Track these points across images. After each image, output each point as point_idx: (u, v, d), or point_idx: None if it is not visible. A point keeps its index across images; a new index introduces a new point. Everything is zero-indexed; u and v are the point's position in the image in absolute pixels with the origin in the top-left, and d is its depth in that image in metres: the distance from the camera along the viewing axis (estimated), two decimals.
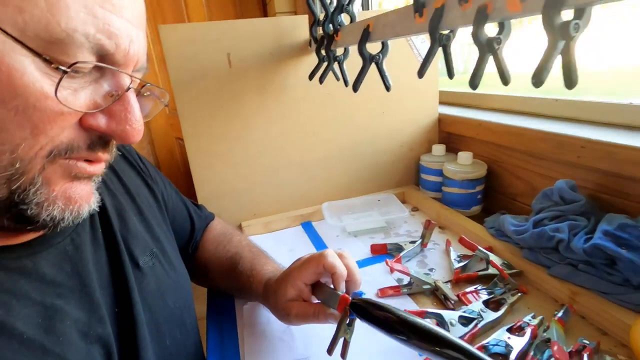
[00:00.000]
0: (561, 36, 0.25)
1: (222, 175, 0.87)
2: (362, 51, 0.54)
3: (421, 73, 0.39)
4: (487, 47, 0.31)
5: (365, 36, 0.52)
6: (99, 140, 0.32)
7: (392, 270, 0.61)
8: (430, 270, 0.68)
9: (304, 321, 0.48)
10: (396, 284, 0.64)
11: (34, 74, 0.26)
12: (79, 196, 0.33)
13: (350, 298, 0.43)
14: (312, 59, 0.85)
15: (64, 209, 0.32)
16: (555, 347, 0.43)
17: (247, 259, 0.60)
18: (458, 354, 0.33)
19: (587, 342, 0.47)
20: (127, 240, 0.44)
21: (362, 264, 0.72)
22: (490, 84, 0.99)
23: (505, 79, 0.32)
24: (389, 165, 1.01)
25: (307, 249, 0.80)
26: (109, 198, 0.46)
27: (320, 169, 0.95)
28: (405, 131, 1.00)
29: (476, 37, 0.31)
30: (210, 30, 0.77)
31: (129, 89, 0.31)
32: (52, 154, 0.29)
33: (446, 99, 1.10)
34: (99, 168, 0.34)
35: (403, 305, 0.59)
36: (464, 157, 0.85)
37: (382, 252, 0.75)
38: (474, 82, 0.34)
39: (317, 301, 0.49)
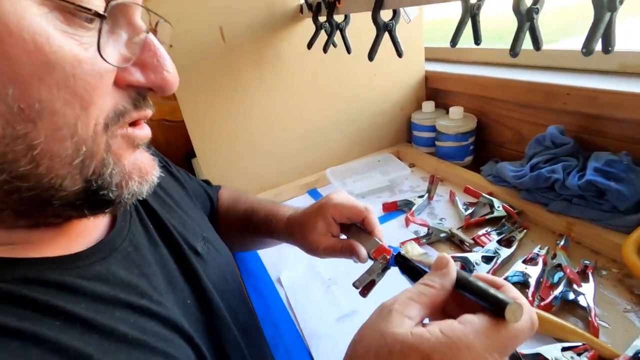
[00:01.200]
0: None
1: (227, 155, 0.87)
2: (376, 19, 0.55)
3: (454, 42, 0.42)
4: (526, 16, 0.34)
5: (379, 3, 0.53)
6: (139, 97, 0.30)
7: (408, 223, 0.67)
8: (441, 220, 0.75)
9: (330, 255, 0.50)
10: (414, 236, 0.71)
11: (57, 37, 0.22)
12: (147, 165, 0.32)
13: (391, 249, 0.47)
14: (304, 27, 0.84)
15: (140, 182, 0.31)
16: (568, 270, 0.52)
17: (261, 209, 0.62)
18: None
19: (588, 262, 0.56)
20: (180, 232, 0.45)
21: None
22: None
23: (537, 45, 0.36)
24: (383, 126, 1.05)
25: None
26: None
27: (320, 136, 0.97)
28: (395, 91, 1.03)
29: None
30: (199, 5, 0.73)
31: (147, 31, 0.28)
32: (108, 125, 0.27)
33: (431, 55, 1.13)
34: (148, 130, 0.32)
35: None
36: (456, 111, 0.91)
37: (393, 209, 0.81)
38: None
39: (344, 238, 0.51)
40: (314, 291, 0.62)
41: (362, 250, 0.48)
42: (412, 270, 0.42)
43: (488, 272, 0.57)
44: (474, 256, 0.58)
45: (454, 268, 0.31)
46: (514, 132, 0.87)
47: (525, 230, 0.66)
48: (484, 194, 0.73)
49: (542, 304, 0.50)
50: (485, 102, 0.91)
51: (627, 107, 0.61)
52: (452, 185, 0.86)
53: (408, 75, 1.03)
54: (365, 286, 0.45)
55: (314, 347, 0.52)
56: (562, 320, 0.47)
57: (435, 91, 1.06)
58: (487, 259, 0.59)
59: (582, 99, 0.68)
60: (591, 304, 0.49)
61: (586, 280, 0.53)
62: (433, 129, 0.97)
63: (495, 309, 0.26)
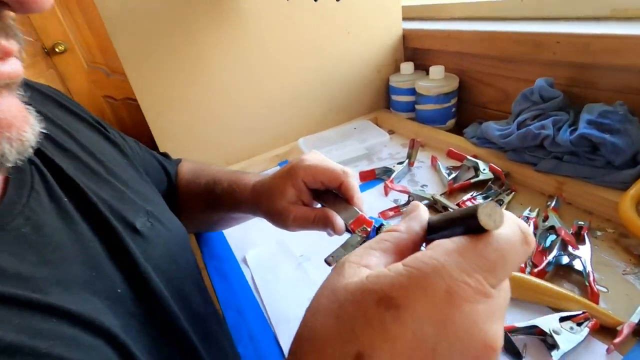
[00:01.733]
0: None
1: (185, 125, 0.77)
2: None
3: None
4: None
5: None
6: None
7: (387, 191, 0.61)
8: (423, 186, 0.69)
9: (302, 226, 0.43)
10: (394, 205, 0.65)
11: None
12: (11, 116, 0.24)
13: (372, 221, 0.40)
14: None
15: (10, 140, 0.23)
16: (562, 232, 0.46)
17: (225, 179, 0.54)
18: None
19: (582, 222, 0.51)
20: (113, 206, 0.37)
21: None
22: None
23: None
24: (359, 91, 0.97)
25: None
26: (65, 159, 0.37)
27: (291, 103, 0.88)
28: (371, 52, 0.94)
29: None
30: None
31: None
32: None
33: (409, 14, 1.04)
34: (14, 66, 0.24)
35: None
36: (436, 71, 0.84)
37: (371, 178, 0.75)
38: None
39: (318, 207, 0.45)
40: (284, 269, 0.55)
41: (339, 221, 0.41)
42: None
43: None
44: None
45: (425, 211, 0.24)
46: (498, 91, 0.81)
47: (513, 193, 0.60)
48: (468, 157, 0.67)
49: (534, 270, 0.44)
50: (466, 59, 0.84)
51: (624, 52, 0.55)
52: (434, 151, 0.80)
53: (384, 34, 0.94)
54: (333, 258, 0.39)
55: (281, 333, 0.45)
56: (559, 287, 0.41)
57: (414, 51, 0.98)
58: None
59: (573, 46, 0.61)
60: (589, 268, 0.44)
61: (582, 242, 0.48)
62: (412, 92, 0.90)
63: (468, 223, 0.19)
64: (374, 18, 0.91)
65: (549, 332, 0.37)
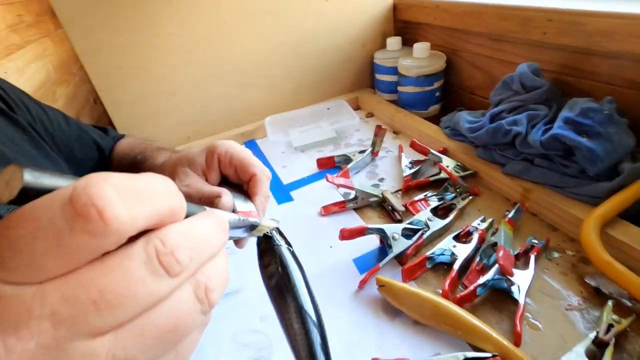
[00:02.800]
0: None
1: (138, 95, 0.73)
2: None
3: None
4: None
5: None
6: None
7: (334, 184, 0.55)
8: (380, 180, 0.62)
9: (189, 197, 0.37)
10: (342, 199, 0.59)
11: None
12: None
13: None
14: None
15: None
16: (501, 252, 0.39)
17: (149, 157, 0.49)
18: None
19: (536, 241, 0.43)
20: None
21: (307, 180, 0.66)
22: None
23: None
24: (339, 67, 0.88)
25: None
26: None
27: (259, 75, 0.82)
28: (355, 23, 0.85)
29: None
30: None
31: None
32: None
33: None
34: None
35: (349, 222, 0.54)
36: (420, 48, 0.74)
37: (330, 166, 0.68)
38: None
39: None
40: None
41: (226, 200, 0.33)
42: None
43: (408, 248, 0.45)
44: (393, 228, 0.46)
45: None
46: (485, 75, 0.70)
47: (471, 197, 0.52)
48: (432, 151, 0.59)
49: (461, 293, 0.38)
50: (455, 36, 0.74)
51: (621, 34, 0.45)
52: (406, 140, 0.72)
53: (371, 2, 0.84)
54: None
55: None
56: (475, 320, 0.35)
57: (404, 25, 0.87)
58: (411, 232, 0.47)
59: (566, 25, 0.51)
60: (522, 299, 0.37)
61: (525, 265, 0.40)
62: (396, 71, 0.80)
63: None
64: None
65: None
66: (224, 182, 0.39)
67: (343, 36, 0.85)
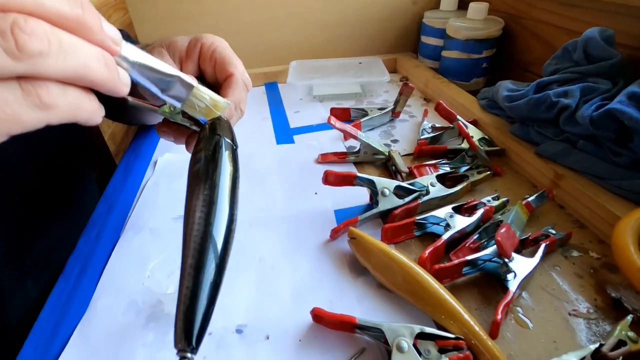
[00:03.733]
0: None
1: (167, 13, 0.70)
2: None
3: None
4: None
5: None
6: None
7: (336, 127, 0.48)
8: (393, 142, 0.55)
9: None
10: (344, 150, 0.53)
11: None
12: None
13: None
14: None
15: None
16: (503, 230, 0.32)
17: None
18: None
19: (553, 231, 0.35)
20: None
21: (314, 128, 0.60)
22: None
23: None
24: (382, 23, 0.80)
25: (258, 112, 0.68)
26: None
27: (292, 16, 0.76)
28: None
29: None
30: None
31: None
32: None
33: None
34: None
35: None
36: (477, 8, 0.64)
37: (345, 118, 0.62)
38: None
39: None
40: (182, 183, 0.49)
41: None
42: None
43: (397, 208, 0.39)
44: (385, 183, 0.40)
45: None
46: (545, 47, 0.60)
47: (489, 173, 0.44)
48: (459, 118, 0.51)
49: (442, 264, 0.32)
50: None
51: None
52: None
53: None
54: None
55: (124, 238, 0.40)
56: (448, 295, 0.29)
57: None
58: (404, 192, 0.40)
59: None
60: (513, 287, 0.30)
61: (531, 254, 0.33)
62: (443, 33, 0.71)
63: None
64: None
65: (390, 346, 0.26)
66: (200, 80, 0.34)
67: None
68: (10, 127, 0.16)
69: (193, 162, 0.24)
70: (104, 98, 0.20)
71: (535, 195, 0.39)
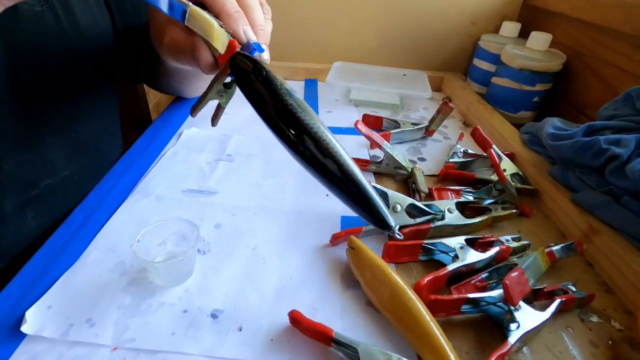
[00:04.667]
0: None
1: None
2: None
3: None
4: None
5: None
6: None
7: (361, 132, 0.46)
8: (420, 159, 0.53)
9: (176, 56, 0.35)
10: (368, 158, 0.51)
11: None
12: None
13: (238, 48, 0.28)
14: None
15: None
16: (515, 274, 0.29)
17: None
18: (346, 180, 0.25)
19: (574, 289, 0.32)
20: None
21: (343, 131, 0.59)
22: None
23: None
24: (436, 38, 0.77)
25: None
26: None
27: (344, 16, 0.75)
28: None
29: None
30: None
31: None
32: None
33: None
34: None
35: None
36: (538, 38, 0.60)
37: (376, 127, 0.60)
38: None
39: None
40: (203, 157, 0.49)
41: (205, 53, 0.29)
42: (249, 88, 0.26)
43: (406, 227, 0.37)
44: (400, 199, 0.38)
45: None
46: (607, 91, 0.55)
47: (515, 211, 0.41)
48: (495, 147, 0.48)
49: (440, 296, 0.29)
50: (590, 34, 0.58)
51: None
52: None
53: None
54: (196, 107, 0.31)
55: (130, 200, 0.40)
56: (438, 329, 0.26)
57: (531, 12, 0.73)
58: (418, 212, 0.38)
59: None
60: (513, 339, 0.27)
61: (543, 306, 0.30)
62: (497, 59, 0.68)
63: None
64: None
65: None
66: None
67: (454, 6, 0.74)
68: None
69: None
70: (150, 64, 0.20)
71: (561, 245, 0.35)
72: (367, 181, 0.26)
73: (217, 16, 0.28)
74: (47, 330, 0.27)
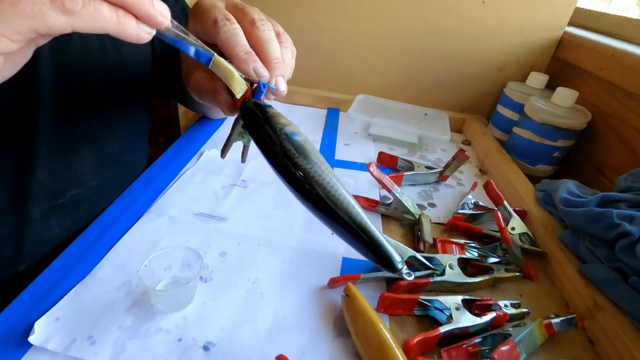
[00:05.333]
0: None
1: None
2: None
3: None
4: None
5: None
6: None
7: (373, 176, 0.47)
8: (430, 205, 0.53)
9: (200, 96, 0.37)
10: (376, 198, 0.51)
11: None
12: None
13: (250, 92, 0.30)
14: None
15: None
16: (506, 347, 0.29)
17: None
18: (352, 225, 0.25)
19: None
20: None
21: (357, 166, 0.60)
22: None
23: None
24: (461, 80, 0.78)
25: (311, 133, 0.69)
26: None
27: (370, 50, 0.77)
28: (503, 41, 0.73)
29: None
30: None
31: None
32: None
33: (582, 19, 0.76)
34: None
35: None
36: (564, 94, 0.60)
37: (390, 165, 0.61)
38: None
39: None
40: (217, 182, 0.51)
41: (226, 97, 0.31)
42: (257, 133, 0.28)
43: (402, 280, 0.37)
44: (402, 249, 0.38)
45: None
46: (631, 155, 0.54)
47: (519, 274, 0.41)
48: (506, 203, 0.48)
49: (426, 357, 0.29)
50: (617, 96, 0.58)
51: None
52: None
53: (535, 26, 0.71)
54: (224, 149, 0.33)
55: (145, 218, 0.42)
56: None
57: (560, 65, 0.72)
58: (419, 265, 0.38)
59: None
60: None
61: None
62: (521, 109, 0.67)
63: None
64: (533, 1, 0.69)
65: None
66: None
67: (482, 49, 0.74)
68: (36, 25, 0.19)
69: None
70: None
71: (561, 319, 0.35)
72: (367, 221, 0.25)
73: (231, 61, 0.30)
74: (51, 343, 0.28)
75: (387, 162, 0.61)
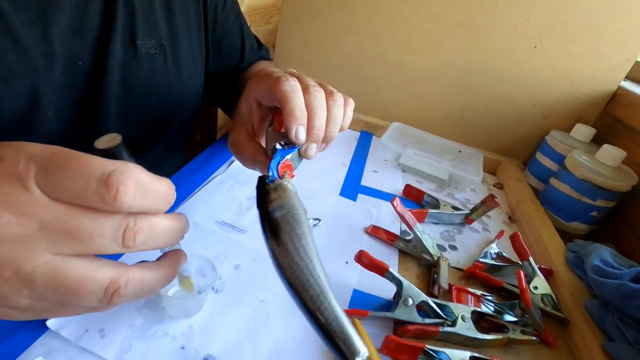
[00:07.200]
0: None
1: (308, 36, 0.77)
2: None
3: None
4: None
5: None
6: None
7: (396, 211, 0.47)
8: (451, 247, 0.52)
9: (241, 159, 0.38)
10: (396, 232, 0.51)
11: None
12: None
13: (276, 165, 0.31)
14: None
15: None
16: None
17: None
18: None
19: None
20: (131, 13, 0.40)
21: (383, 196, 0.59)
22: None
23: None
24: (505, 122, 0.76)
25: (341, 155, 0.69)
26: None
27: (417, 83, 0.77)
28: (552, 88, 0.71)
29: None
30: None
31: None
32: None
33: (635, 72, 0.72)
34: None
35: (384, 255, 0.46)
36: (610, 152, 0.57)
37: (415, 199, 0.60)
38: None
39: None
40: (246, 193, 0.52)
41: (262, 157, 0.35)
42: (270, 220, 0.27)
43: (412, 324, 0.36)
44: (415, 293, 0.37)
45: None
46: None
47: (535, 339, 0.38)
48: (531, 260, 0.46)
49: None
50: None
51: None
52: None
53: (587, 76, 0.69)
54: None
55: None
56: None
57: (612, 121, 0.69)
58: (431, 312, 0.37)
59: None
60: None
61: None
62: (562, 160, 0.65)
63: None
64: (581, 49, 0.67)
65: None
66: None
67: (528, 94, 0.72)
68: (90, 248, 0.18)
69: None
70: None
71: None
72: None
73: (286, 128, 0.31)
74: (66, 330, 0.30)
75: (413, 196, 0.61)
